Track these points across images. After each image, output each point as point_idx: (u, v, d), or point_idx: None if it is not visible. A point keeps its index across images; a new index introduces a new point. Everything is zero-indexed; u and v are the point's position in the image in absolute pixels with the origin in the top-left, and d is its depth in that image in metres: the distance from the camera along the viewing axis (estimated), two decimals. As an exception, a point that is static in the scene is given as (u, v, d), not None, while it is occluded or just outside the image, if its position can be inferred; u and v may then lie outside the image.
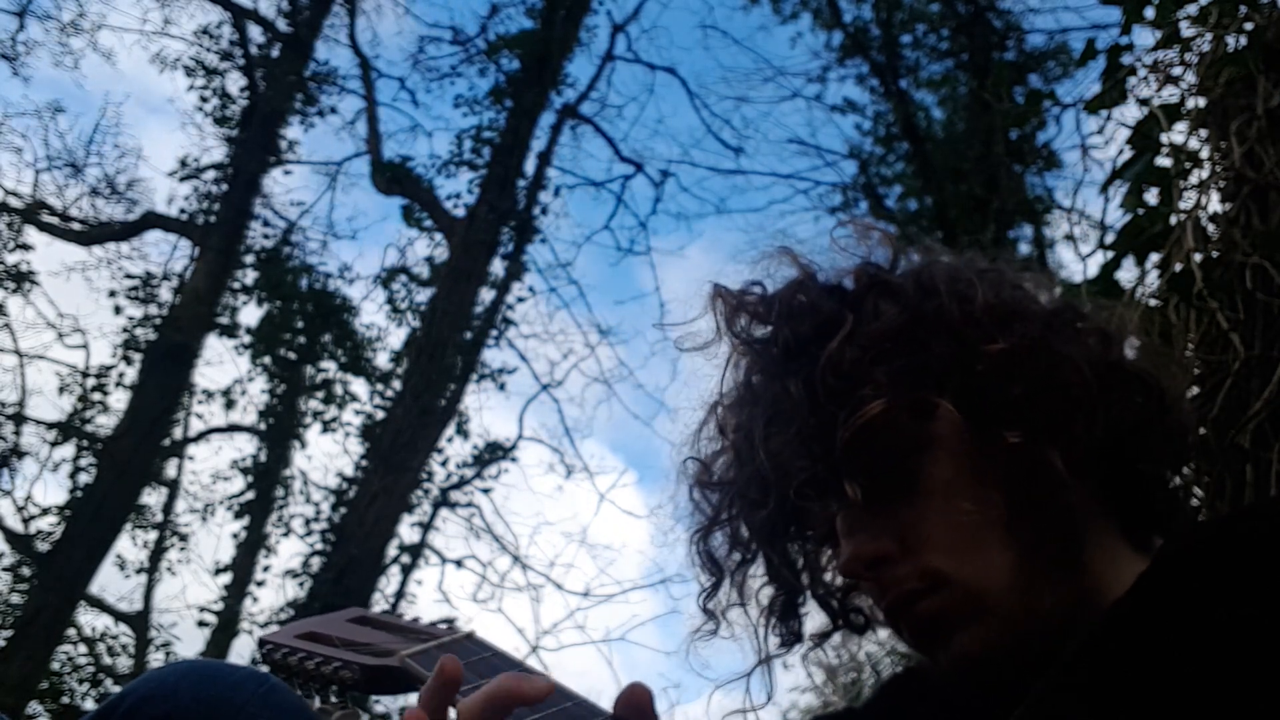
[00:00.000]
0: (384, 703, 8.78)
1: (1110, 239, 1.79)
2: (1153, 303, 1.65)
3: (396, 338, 10.79)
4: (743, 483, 0.88)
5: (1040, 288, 0.92)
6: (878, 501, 0.82)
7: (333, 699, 0.83)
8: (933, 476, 0.81)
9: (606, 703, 0.73)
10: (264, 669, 1.00)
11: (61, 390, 9.93)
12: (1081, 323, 0.87)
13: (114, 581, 12.42)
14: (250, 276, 10.61)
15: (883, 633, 0.94)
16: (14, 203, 10.25)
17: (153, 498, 10.29)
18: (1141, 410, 0.83)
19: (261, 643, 0.94)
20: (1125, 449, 0.83)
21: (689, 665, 0.93)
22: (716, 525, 0.92)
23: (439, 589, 10.76)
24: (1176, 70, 1.85)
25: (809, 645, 0.94)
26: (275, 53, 11.01)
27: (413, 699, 0.76)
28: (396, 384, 10.00)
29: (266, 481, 10.27)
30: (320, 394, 10.69)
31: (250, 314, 10.66)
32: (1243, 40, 1.75)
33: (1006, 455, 0.80)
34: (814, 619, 0.95)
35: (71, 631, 9.22)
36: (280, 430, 10.47)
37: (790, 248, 0.93)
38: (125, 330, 9.95)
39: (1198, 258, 1.59)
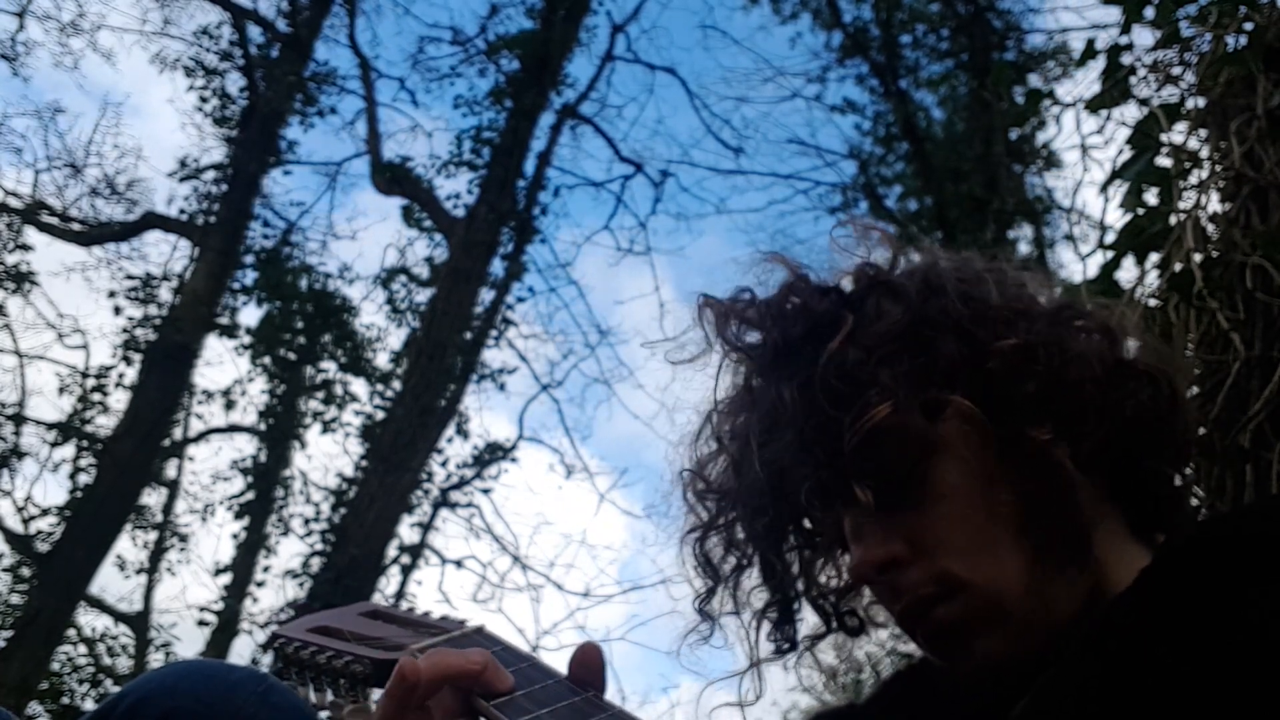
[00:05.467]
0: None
1: (1110, 239, 1.79)
2: (1153, 303, 1.65)
3: (396, 338, 10.82)
4: (742, 490, 0.88)
5: (1039, 287, 0.91)
6: (887, 505, 0.81)
7: (344, 692, 0.83)
8: (943, 479, 0.80)
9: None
10: (265, 667, 1.00)
11: (61, 390, 9.95)
12: (1084, 320, 0.87)
13: (114, 581, 12.42)
14: (250, 276, 10.63)
15: (878, 634, 0.94)
16: (14, 203, 10.26)
17: (153, 498, 10.32)
18: (1151, 406, 0.83)
19: (274, 636, 0.94)
20: (1134, 445, 0.82)
21: (682, 665, 0.93)
22: (713, 529, 0.91)
23: (439, 589, 10.76)
24: (1176, 70, 1.85)
25: (803, 647, 0.94)
26: (275, 53, 11.02)
27: None
28: (396, 384, 10.00)
29: (266, 482, 10.28)
30: (320, 394, 10.70)
31: (250, 314, 10.69)
32: (1243, 40, 1.75)
33: (1017, 455, 0.79)
34: (808, 621, 0.94)
35: (71, 631, 9.23)
36: (280, 430, 10.47)
37: (781, 253, 0.92)
38: (125, 330, 9.97)
39: (1198, 258, 1.59)
